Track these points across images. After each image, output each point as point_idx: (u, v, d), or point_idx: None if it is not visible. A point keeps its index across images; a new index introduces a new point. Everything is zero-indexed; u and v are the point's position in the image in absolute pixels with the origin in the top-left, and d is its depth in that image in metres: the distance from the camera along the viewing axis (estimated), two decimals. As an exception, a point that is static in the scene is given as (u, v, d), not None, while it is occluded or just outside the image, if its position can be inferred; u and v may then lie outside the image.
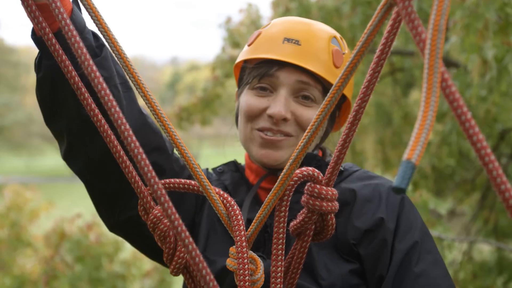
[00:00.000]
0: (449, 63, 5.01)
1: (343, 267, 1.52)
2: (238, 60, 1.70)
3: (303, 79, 1.58)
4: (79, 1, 1.33)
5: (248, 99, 1.62)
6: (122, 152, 1.33)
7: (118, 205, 1.59)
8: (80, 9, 1.45)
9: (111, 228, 1.67)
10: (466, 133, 0.84)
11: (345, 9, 5.09)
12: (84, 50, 1.07)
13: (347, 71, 1.17)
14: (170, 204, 0.94)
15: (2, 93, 32.16)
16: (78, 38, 1.08)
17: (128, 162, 1.33)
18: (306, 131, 1.26)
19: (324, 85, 1.61)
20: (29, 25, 1.39)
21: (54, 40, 1.30)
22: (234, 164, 1.77)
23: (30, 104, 33.47)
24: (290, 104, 1.58)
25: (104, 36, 1.33)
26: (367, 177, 1.63)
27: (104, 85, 1.03)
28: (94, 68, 1.05)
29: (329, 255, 1.53)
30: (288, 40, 1.59)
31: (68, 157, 1.55)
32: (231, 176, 1.73)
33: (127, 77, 1.52)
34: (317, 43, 1.60)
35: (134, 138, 1.00)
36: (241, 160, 1.81)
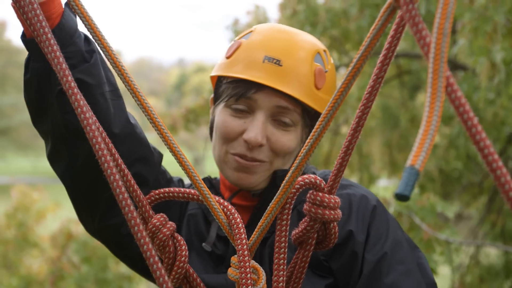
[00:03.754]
0: (457, 66, 4.99)
1: (317, 284, 1.49)
2: (214, 73, 1.63)
3: (282, 103, 1.53)
4: (70, 6, 1.33)
5: (225, 120, 1.57)
6: (120, 161, 1.31)
7: (98, 212, 1.56)
8: (73, 12, 1.42)
9: (92, 234, 1.65)
10: (472, 139, 0.82)
11: (352, 12, 5.07)
12: (61, 60, 1.17)
13: (347, 80, 1.13)
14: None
15: (9, 93, 32.24)
16: (58, 52, 1.17)
17: (126, 171, 1.31)
18: (309, 137, 1.23)
19: (304, 107, 1.56)
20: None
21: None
22: (208, 181, 1.73)
23: (38, 104, 33.51)
24: (267, 128, 1.54)
25: (96, 41, 1.31)
26: (339, 187, 1.56)
27: (82, 103, 1.12)
28: (73, 84, 1.14)
29: None
30: (268, 59, 1.52)
31: (51, 158, 1.52)
32: None
33: (117, 85, 1.51)
34: (299, 63, 1.54)
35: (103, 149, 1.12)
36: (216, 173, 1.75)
